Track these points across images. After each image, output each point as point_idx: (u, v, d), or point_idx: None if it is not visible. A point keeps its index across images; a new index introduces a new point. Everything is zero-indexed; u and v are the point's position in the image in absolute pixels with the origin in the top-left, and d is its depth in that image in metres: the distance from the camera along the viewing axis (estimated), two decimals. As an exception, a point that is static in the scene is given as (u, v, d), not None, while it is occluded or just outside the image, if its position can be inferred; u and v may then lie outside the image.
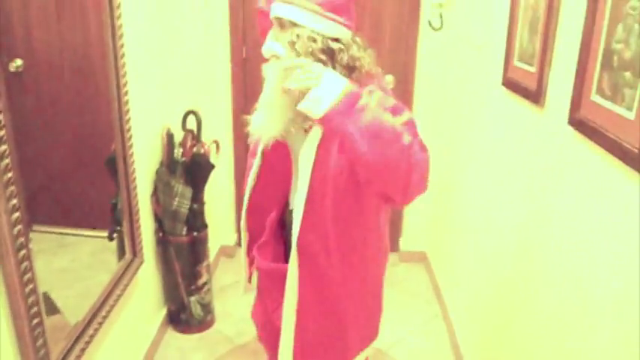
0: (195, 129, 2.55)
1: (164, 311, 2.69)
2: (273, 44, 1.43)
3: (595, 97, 1.32)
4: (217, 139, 2.71)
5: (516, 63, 1.89)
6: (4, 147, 1.26)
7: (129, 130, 2.09)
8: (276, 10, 1.41)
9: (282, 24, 1.41)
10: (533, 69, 1.72)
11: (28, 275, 1.37)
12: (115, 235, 2.21)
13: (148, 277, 2.45)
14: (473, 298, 2.39)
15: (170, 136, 2.42)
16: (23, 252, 1.34)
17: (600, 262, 1.29)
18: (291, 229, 1.50)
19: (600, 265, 1.29)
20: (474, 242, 2.40)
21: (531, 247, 1.72)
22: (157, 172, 2.42)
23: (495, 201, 2.12)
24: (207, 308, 2.69)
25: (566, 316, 1.46)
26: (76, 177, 1.89)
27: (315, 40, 1.38)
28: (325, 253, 1.49)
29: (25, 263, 1.35)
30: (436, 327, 2.80)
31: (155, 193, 2.44)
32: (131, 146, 2.09)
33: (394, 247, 3.46)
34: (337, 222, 1.47)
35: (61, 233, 1.79)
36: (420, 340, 2.70)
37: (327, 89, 1.22)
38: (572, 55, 1.44)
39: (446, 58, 2.97)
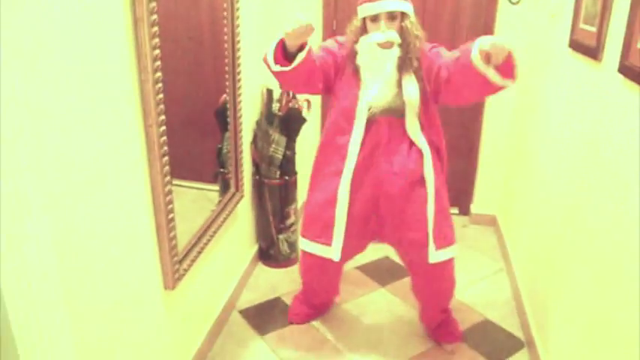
0: (290, 88, 2.92)
1: (255, 248, 3.10)
2: (392, 33, 1.97)
3: (640, 45, 1.53)
4: (309, 98, 3.07)
5: (582, 25, 2.10)
6: (162, 128, 1.67)
7: (239, 84, 2.48)
8: (391, 6, 1.94)
9: (393, 16, 1.96)
10: (594, 29, 1.93)
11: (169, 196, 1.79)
12: (218, 176, 2.63)
13: (245, 213, 2.85)
14: (534, 254, 2.59)
15: (270, 92, 2.81)
16: (168, 187, 1.80)
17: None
18: None
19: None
20: (540, 201, 2.60)
21: (586, 197, 1.93)
22: (257, 123, 2.81)
23: (558, 158, 2.32)
24: (292, 246, 3.07)
25: (610, 263, 1.68)
26: (183, 134, 2.13)
27: (415, 23, 2.01)
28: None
29: (168, 189, 1.77)
30: (500, 279, 3.03)
31: (254, 141, 2.84)
32: (240, 95, 2.49)
33: (465, 210, 3.70)
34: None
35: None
36: (485, 287, 2.94)
37: None
38: (624, 11, 1.65)
39: (522, 29, 3.16)
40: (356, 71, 2.07)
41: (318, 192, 2.22)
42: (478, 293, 2.87)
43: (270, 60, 1.94)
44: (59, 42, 1.25)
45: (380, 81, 2.02)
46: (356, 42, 2.05)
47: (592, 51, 1.92)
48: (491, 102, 3.37)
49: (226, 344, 2.45)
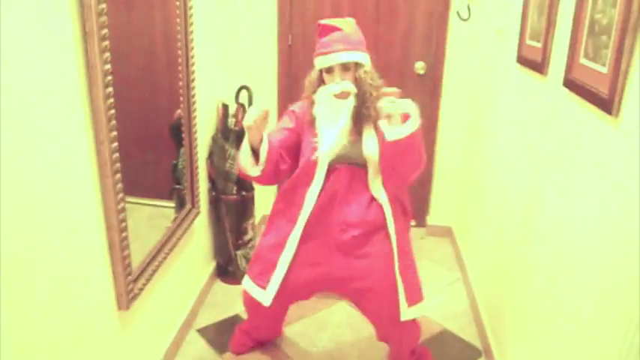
0: (246, 103, 2.91)
1: (213, 264, 3.06)
2: (346, 84, 1.96)
3: (582, 60, 1.59)
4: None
5: (528, 42, 2.18)
6: (114, 144, 1.64)
7: (194, 99, 2.45)
8: (344, 58, 1.94)
9: (346, 67, 1.96)
10: (539, 44, 2.00)
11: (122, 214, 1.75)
12: (173, 192, 2.58)
13: (202, 230, 2.81)
14: (489, 264, 2.65)
15: (225, 107, 2.79)
16: (121, 204, 1.76)
17: (585, 202, 1.56)
18: None
19: (585, 205, 1.56)
20: (492, 211, 2.67)
21: (535, 205, 1.99)
22: (213, 138, 2.79)
23: (508, 168, 2.39)
24: (251, 263, 3.04)
25: (558, 267, 1.73)
26: (137, 150, 2.08)
27: (370, 72, 1.99)
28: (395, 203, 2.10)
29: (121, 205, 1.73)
30: (457, 289, 3.08)
31: (210, 156, 2.81)
32: (195, 111, 2.46)
33: (422, 222, 3.75)
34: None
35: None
36: (442, 298, 2.98)
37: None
38: (567, 28, 1.72)
39: (472, 44, 3.25)
40: (312, 122, 2.05)
41: (271, 234, 2.19)
42: (436, 304, 2.91)
43: (248, 167, 2.02)
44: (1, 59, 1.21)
45: (335, 131, 1.98)
46: (314, 93, 2.04)
47: (538, 66, 1.99)
48: (444, 116, 3.44)
49: (184, 365, 2.40)
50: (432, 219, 3.71)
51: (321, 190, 2.06)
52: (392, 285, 2.08)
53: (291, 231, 2.10)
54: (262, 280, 2.16)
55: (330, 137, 1.98)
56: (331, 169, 2.05)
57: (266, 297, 2.15)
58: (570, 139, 1.68)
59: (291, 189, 2.13)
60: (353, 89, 1.97)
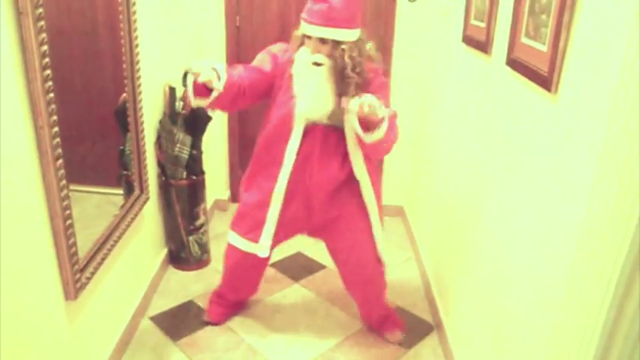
0: (194, 85, 2.84)
1: (165, 251, 3.00)
2: (318, 57, 1.98)
3: (524, 39, 1.64)
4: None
5: (472, 21, 2.22)
6: (55, 129, 1.59)
7: (139, 82, 2.38)
8: (319, 33, 1.93)
9: (324, 40, 1.95)
10: (483, 24, 2.04)
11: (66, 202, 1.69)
12: (121, 179, 2.52)
13: (152, 216, 2.75)
14: (439, 242, 2.71)
15: (172, 90, 2.72)
16: (64, 191, 1.70)
17: (529, 177, 1.61)
18: None
19: (530, 180, 1.61)
20: (442, 189, 2.72)
21: (483, 183, 2.04)
22: (161, 122, 2.72)
23: (457, 147, 2.44)
24: (204, 248, 3.01)
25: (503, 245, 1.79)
26: (82, 136, 2.07)
27: (351, 49, 1.95)
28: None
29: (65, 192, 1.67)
30: (410, 267, 3.14)
31: (158, 141, 2.74)
32: (140, 93, 2.39)
33: (374, 202, 3.78)
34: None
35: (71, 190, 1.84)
36: (395, 276, 3.03)
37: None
38: (509, 8, 1.76)
39: (419, 25, 3.29)
40: (291, 78, 2.07)
41: (253, 192, 2.26)
42: (389, 282, 2.92)
43: (190, 94, 2.03)
44: None
45: (310, 93, 2.02)
46: (296, 50, 2.07)
47: (482, 45, 2.03)
48: (393, 96, 3.46)
49: (137, 353, 2.36)
50: (383, 198, 3.74)
51: (299, 149, 2.12)
52: (368, 241, 2.35)
53: (273, 188, 2.17)
54: (254, 236, 2.25)
55: (306, 99, 2.03)
56: (307, 129, 2.10)
57: (262, 249, 2.26)
58: (514, 118, 1.73)
59: (267, 146, 2.19)
60: (324, 62, 1.98)
